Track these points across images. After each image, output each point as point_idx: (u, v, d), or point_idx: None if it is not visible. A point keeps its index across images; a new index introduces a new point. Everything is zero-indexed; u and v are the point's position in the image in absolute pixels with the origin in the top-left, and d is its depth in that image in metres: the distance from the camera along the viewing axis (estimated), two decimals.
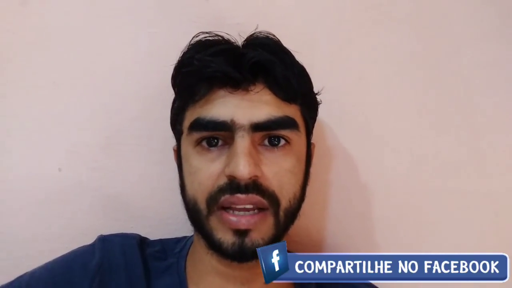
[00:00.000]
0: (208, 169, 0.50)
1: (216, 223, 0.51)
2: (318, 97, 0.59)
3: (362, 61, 0.72)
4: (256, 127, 0.50)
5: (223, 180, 0.49)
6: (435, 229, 0.73)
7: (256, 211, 0.50)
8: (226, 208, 0.50)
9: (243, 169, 0.47)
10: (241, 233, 0.50)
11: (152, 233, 0.64)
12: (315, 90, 0.59)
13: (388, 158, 0.72)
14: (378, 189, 0.72)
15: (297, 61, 0.55)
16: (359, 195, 0.73)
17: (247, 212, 0.49)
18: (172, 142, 0.59)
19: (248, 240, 0.49)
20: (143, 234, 0.62)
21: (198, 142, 0.51)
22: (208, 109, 0.51)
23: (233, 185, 0.49)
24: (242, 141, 0.49)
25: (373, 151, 0.72)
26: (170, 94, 0.58)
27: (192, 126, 0.51)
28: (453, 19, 0.72)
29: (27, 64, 0.68)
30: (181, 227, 0.66)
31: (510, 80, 0.73)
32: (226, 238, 0.50)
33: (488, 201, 0.73)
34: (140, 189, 0.70)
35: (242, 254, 0.50)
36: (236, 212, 0.49)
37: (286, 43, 0.55)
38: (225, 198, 0.49)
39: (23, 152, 0.68)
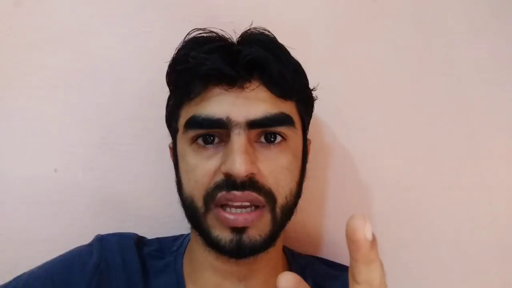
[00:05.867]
0: (204, 167, 0.50)
1: (213, 220, 0.51)
2: (314, 93, 0.59)
3: (357, 57, 0.72)
4: (252, 124, 0.49)
5: (219, 177, 0.49)
6: (432, 223, 0.74)
7: (253, 208, 0.50)
8: (223, 205, 0.50)
9: (239, 167, 0.47)
10: (239, 230, 0.50)
11: (149, 232, 0.64)
12: (311, 86, 0.58)
13: (384, 154, 0.73)
14: (374, 185, 0.73)
15: (293, 57, 0.55)
16: (356, 191, 0.73)
17: (244, 210, 0.49)
18: (167, 140, 0.59)
19: (245, 237, 0.49)
20: (140, 233, 0.62)
21: (194, 140, 0.51)
22: (204, 107, 0.50)
23: (229, 182, 0.48)
24: (238, 139, 0.49)
25: (369, 146, 0.72)
26: (165, 93, 0.58)
27: (187, 124, 0.51)
28: (447, 14, 0.72)
29: (21, 65, 0.67)
30: (178, 225, 0.66)
31: (504, 74, 0.73)
32: (224, 235, 0.50)
33: (484, 195, 0.73)
34: (136, 188, 0.70)
35: (239, 251, 0.50)
36: (233, 210, 0.49)
37: (281, 39, 0.55)
38: (222, 194, 0.49)
39: (18, 154, 0.68)
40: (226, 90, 0.50)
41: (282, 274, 0.28)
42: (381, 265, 0.29)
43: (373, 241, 0.28)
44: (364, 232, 0.27)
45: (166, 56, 0.55)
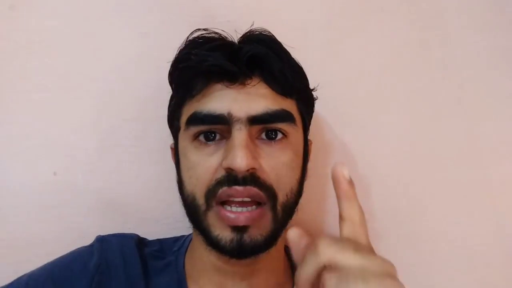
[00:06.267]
0: (205, 163, 0.50)
1: (214, 219, 0.50)
2: (314, 93, 0.60)
3: (356, 55, 0.72)
4: (253, 120, 0.50)
5: (220, 173, 0.49)
6: (433, 219, 0.74)
7: (254, 207, 0.50)
8: (224, 202, 0.49)
9: (240, 161, 0.47)
10: (239, 229, 0.49)
11: (150, 234, 0.63)
12: (311, 85, 0.59)
13: (384, 151, 0.73)
14: (375, 182, 0.72)
15: (293, 58, 0.56)
16: (357, 189, 0.72)
17: (245, 208, 0.49)
18: (167, 142, 0.59)
19: (246, 237, 0.49)
20: (141, 234, 0.62)
21: (196, 137, 0.51)
22: (205, 103, 0.51)
23: (231, 178, 0.48)
24: (240, 134, 0.49)
25: (370, 143, 0.73)
26: (163, 94, 0.58)
27: (189, 121, 0.51)
28: (445, 9, 0.73)
29: (19, 69, 0.67)
30: (179, 226, 0.65)
31: (503, 68, 0.74)
32: (224, 235, 0.50)
33: (484, 190, 0.74)
34: (136, 190, 0.70)
35: (240, 250, 0.50)
36: (234, 208, 0.49)
37: (279, 39, 0.55)
38: (223, 190, 0.49)
39: (17, 158, 0.67)
40: (227, 87, 0.50)
41: (290, 230, 0.37)
42: (359, 206, 0.37)
43: (351, 182, 0.37)
44: (343, 172, 0.37)
45: (164, 56, 0.55)
